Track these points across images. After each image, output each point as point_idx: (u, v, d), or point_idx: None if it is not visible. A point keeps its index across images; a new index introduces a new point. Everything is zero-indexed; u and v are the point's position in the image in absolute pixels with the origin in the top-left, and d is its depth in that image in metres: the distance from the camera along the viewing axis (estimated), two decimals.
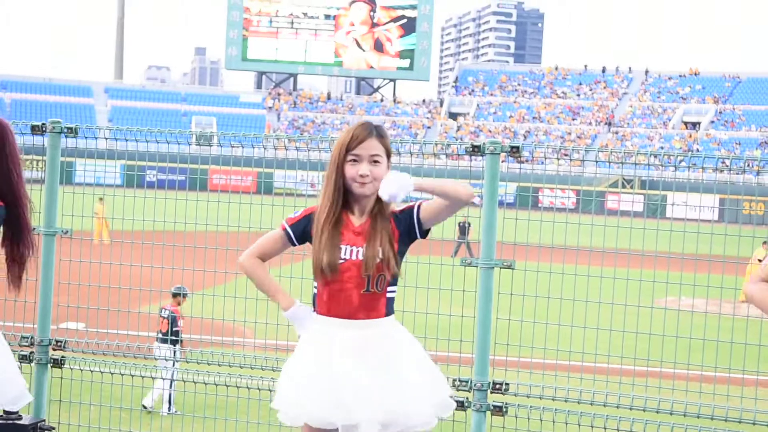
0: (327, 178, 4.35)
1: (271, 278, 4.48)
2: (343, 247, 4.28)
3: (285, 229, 4.44)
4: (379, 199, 4.34)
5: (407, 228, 4.35)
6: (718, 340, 5.77)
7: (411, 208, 4.36)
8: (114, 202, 6.85)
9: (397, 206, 4.35)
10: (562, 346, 6.01)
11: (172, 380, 9.94)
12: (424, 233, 4.39)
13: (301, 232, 4.41)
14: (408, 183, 4.19)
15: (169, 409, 10.24)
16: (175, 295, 10.61)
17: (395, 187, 4.18)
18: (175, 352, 8.99)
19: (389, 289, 4.35)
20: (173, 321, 10.49)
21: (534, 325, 6.02)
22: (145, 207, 6.65)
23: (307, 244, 4.41)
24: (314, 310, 4.39)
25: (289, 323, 4.42)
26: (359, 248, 4.28)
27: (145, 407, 9.66)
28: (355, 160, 4.28)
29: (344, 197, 4.34)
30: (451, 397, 4.55)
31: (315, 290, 4.40)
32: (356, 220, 4.34)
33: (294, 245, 4.46)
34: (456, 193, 4.24)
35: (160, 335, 9.91)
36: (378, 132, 4.34)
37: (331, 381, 4.21)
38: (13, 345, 6.01)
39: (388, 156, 4.37)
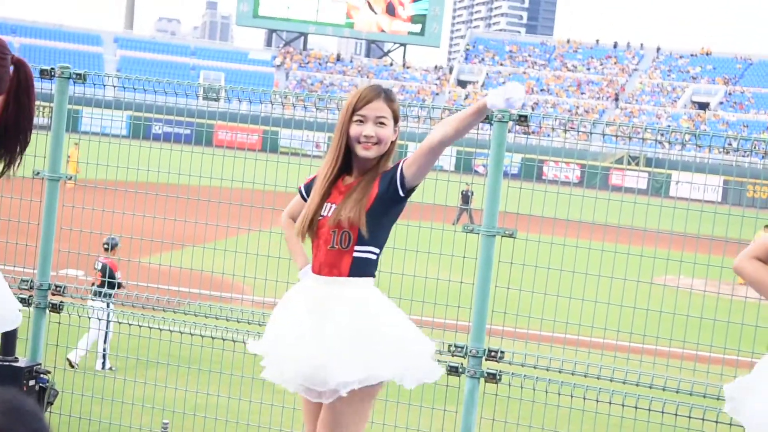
0: (333, 140, 4.34)
1: (296, 240, 4.55)
2: (325, 204, 4.28)
3: (300, 190, 4.59)
4: (377, 161, 4.29)
5: (387, 185, 4.21)
6: (714, 320, 5.78)
7: (396, 165, 4.26)
8: (119, 152, 6.84)
9: (510, 107, 3.96)
10: (559, 318, 6.03)
11: (106, 334, 9.54)
12: (408, 192, 4.22)
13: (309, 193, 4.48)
14: (521, 92, 3.94)
15: (104, 365, 9.76)
16: (113, 247, 10.15)
17: (511, 93, 3.89)
18: (108, 305, 8.31)
19: (358, 248, 4.19)
20: (110, 273, 9.91)
21: (532, 296, 6.03)
22: (150, 158, 6.64)
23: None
24: None
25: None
26: (336, 205, 4.26)
27: (70, 362, 9.09)
28: (360, 121, 4.25)
29: (347, 159, 4.32)
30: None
31: None
32: (348, 179, 4.33)
33: None
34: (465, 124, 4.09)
35: (94, 288, 8.30)
36: (386, 95, 4.30)
37: (278, 337, 4.24)
38: (13, 288, 6.02)
39: (396, 120, 4.32)
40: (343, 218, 4.17)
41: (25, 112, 4.47)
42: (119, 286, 8.82)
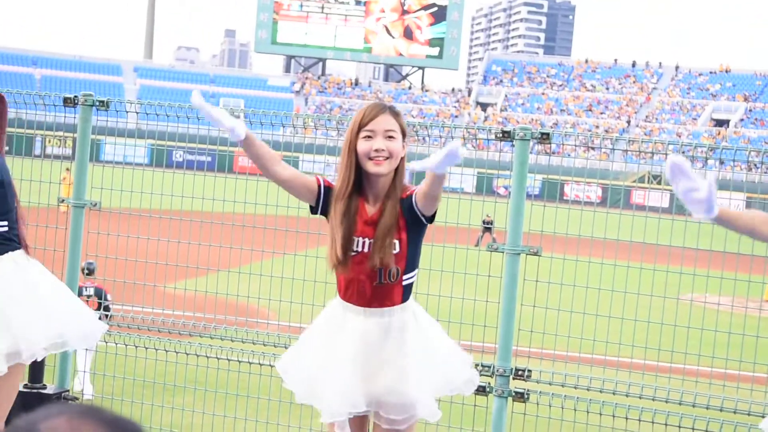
0: (341, 161, 4.24)
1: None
2: (355, 238, 4.20)
3: (318, 181, 4.25)
4: (393, 184, 4.21)
5: (411, 216, 4.19)
6: (744, 334, 5.73)
7: (411, 196, 4.17)
8: (143, 179, 6.88)
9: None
10: (586, 336, 5.99)
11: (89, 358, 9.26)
12: (429, 218, 4.22)
13: (325, 198, 4.25)
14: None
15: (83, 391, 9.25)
16: (91, 272, 9.96)
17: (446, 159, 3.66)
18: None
19: (405, 277, 4.24)
20: (104, 296, 9.56)
21: (558, 314, 6.00)
22: (173, 185, 6.67)
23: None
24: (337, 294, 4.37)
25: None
26: (370, 240, 4.18)
27: (83, 393, 8.77)
28: (369, 136, 4.14)
29: (359, 180, 4.21)
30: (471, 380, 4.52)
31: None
32: (370, 208, 4.23)
33: (316, 200, 4.26)
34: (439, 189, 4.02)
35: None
36: (392, 110, 4.22)
37: (337, 367, 4.20)
38: None
39: (404, 135, 4.22)
40: (386, 260, 4.16)
41: None
42: (107, 309, 8.56)
